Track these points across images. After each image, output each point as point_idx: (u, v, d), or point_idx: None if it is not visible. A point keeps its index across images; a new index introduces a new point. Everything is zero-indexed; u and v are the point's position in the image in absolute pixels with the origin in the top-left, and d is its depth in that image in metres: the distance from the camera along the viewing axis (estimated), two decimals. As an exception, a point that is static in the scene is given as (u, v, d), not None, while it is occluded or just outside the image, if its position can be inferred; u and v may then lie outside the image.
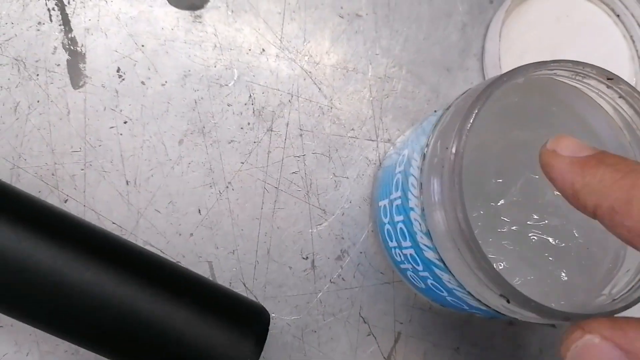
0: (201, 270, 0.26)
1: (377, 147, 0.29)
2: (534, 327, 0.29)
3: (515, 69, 0.18)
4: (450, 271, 0.19)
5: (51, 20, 0.26)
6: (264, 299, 0.27)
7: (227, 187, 0.27)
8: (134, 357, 0.22)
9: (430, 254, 0.20)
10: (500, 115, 0.21)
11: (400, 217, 0.22)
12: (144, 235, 0.26)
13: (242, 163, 0.28)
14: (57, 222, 0.22)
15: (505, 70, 0.25)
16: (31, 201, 0.22)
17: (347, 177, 0.29)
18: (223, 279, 0.27)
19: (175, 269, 0.23)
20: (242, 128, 0.28)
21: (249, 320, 0.23)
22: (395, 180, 0.23)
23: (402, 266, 0.25)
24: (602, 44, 0.32)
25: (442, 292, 0.22)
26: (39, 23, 0.26)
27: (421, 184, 0.19)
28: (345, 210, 0.28)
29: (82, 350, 0.25)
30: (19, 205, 0.22)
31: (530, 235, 0.21)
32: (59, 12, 0.27)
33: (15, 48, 0.26)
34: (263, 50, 0.29)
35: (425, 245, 0.20)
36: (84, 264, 0.21)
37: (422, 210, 0.19)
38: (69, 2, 0.27)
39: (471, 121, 0.17)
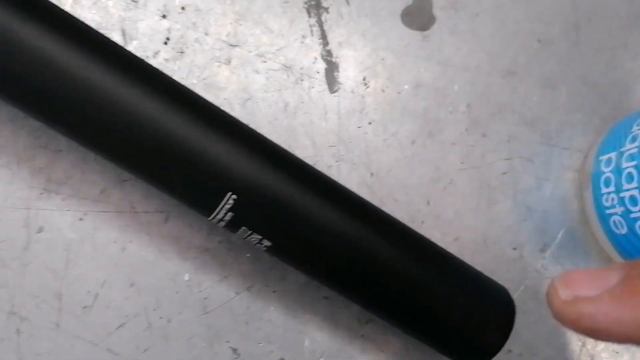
0: (432, 253, 0.30)
1: (571, 155, 0.33)
2: None
3: None
4: None
5: (312, 35, 0.31)
6: (481, 282, 0.31)
7: (450, 182, 0.32)
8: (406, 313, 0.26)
9: None
10: None
11: (632, 163, 0.28)
12: (386, 220, 0.30)
13: (462, 163, 0.32)
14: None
15: None
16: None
17: (548, 180, 0.33)
18: (449, 262, 0.31)
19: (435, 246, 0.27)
20: (461, 133, 0.32)
21: (504, 305, 0.27)
22: (632, 135, 0.28)
23: (609, 211, 0.30)
24: None
25: None
26: (303, 37, 0.31)
27: None
28: (547, 209, 0.32)
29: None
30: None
31: None
32: (319, 28, 0.31)
33: (285, 57, 0.31)
34: (477, 67, 0.33)
35: None
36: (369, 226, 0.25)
37: None
38: (326, 20, 0.32)
39: None
